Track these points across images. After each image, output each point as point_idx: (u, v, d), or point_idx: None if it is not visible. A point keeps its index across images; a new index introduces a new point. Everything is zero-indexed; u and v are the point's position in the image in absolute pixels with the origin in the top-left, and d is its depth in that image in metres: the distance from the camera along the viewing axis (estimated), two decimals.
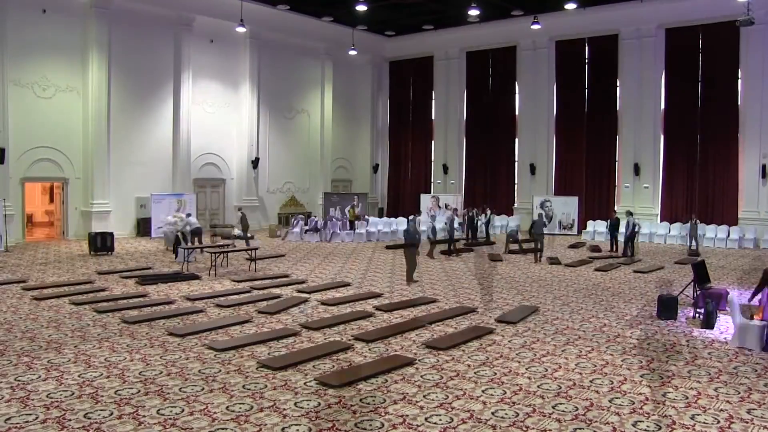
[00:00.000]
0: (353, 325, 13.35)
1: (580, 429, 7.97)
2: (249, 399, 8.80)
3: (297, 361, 10.48)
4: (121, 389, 9.17)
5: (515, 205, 37.00)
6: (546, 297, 16.81)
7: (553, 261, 23.54)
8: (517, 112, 37.27)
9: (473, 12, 31.60)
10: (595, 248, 27.17)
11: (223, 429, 7.76)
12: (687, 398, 9.12)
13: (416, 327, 13.14)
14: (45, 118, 27.45)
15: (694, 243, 27.18)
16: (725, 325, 13.57)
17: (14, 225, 26.21)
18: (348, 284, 18.45)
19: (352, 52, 36.54)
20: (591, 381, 9.81)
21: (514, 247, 26.55)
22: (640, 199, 32.85)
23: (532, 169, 36.23)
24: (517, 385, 9.60)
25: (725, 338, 12.56)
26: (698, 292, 15.72)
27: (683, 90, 32.18)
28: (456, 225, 27.49)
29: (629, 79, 33.22)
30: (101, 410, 8.36)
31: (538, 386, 9.55)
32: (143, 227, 29.94)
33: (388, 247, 27.65)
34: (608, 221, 28.96)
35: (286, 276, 19.75)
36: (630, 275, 20.67)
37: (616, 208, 32.42)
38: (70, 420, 8.06)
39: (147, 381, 9.46)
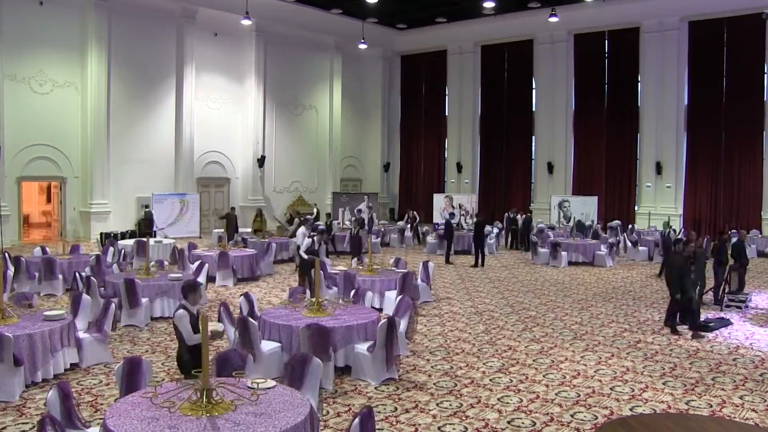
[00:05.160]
0: None
1: None
2: None
3: None
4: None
5: (532, 205, 36.95)
6: (565, 301, 16.81)
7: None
8: (534, 109, 37.28)
9: (488, 4, 31.66)
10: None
11: None
12: (711, 406, 9.10)
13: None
14: (42, 114, 27.53)
15: None
16: (750, 331, 13.55)
17: (10, 226, 26.35)
18: None
19: (362, 46, 36.51)
20: (611, 388, 9.80)
21: None
22: (662, 199, 32.70)
23: (550, 167, 36.16)
24: (533, 392, 9.62)
25: (750, 344, 12.53)
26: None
27: (707, 85, 32.03)
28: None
29: (651, 74, 33.07)
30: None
31: (556, 394, 9.56)
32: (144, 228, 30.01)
33: None
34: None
35: None
36: (651, 278, 20.63)
37: (636, 209, 32.52)
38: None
39: None
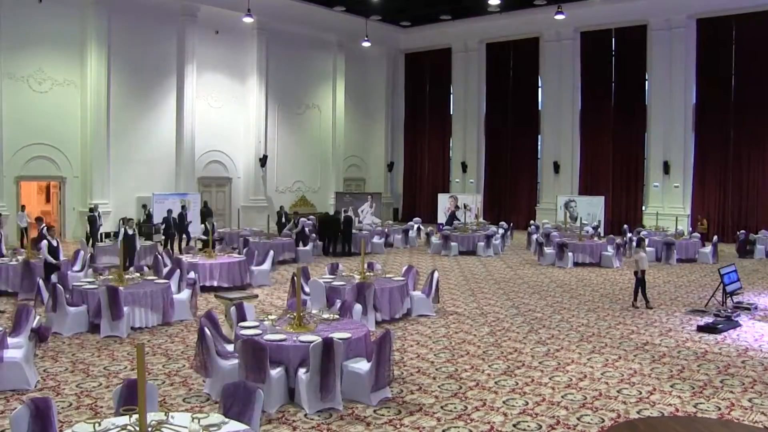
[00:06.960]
0: None
1: None
2: None
3: None
4: None
5: (538, 205, 36.95)
6: (571, 302, 16.79)
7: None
8: (540, 107, 37.26)
9: (494, 1, 31.62)
10: None
11: None
12: (719, 409, 9.09)
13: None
14: (41, 113, 27.57)
15: None
16: (759, 333, 13.53)
17: (8, 226, 26.36)
18: None
19: (366, 44, 36.42)
20: (618, 391, 9.79)
21: None
22: (670, 198, 32.67)
23: (556, 167, 36.15)
24: (539, 395, 9.62)
25: (759, 346, 12.51)
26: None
27: (715, 84, 31.99)
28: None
29: (659, 73, 33.03)
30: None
31: (562, 396, 9.56)
32: (145, 228, 29.99)
33: None
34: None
35: None
36: (659, 279, 20.60)
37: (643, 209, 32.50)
38: None
39: None
